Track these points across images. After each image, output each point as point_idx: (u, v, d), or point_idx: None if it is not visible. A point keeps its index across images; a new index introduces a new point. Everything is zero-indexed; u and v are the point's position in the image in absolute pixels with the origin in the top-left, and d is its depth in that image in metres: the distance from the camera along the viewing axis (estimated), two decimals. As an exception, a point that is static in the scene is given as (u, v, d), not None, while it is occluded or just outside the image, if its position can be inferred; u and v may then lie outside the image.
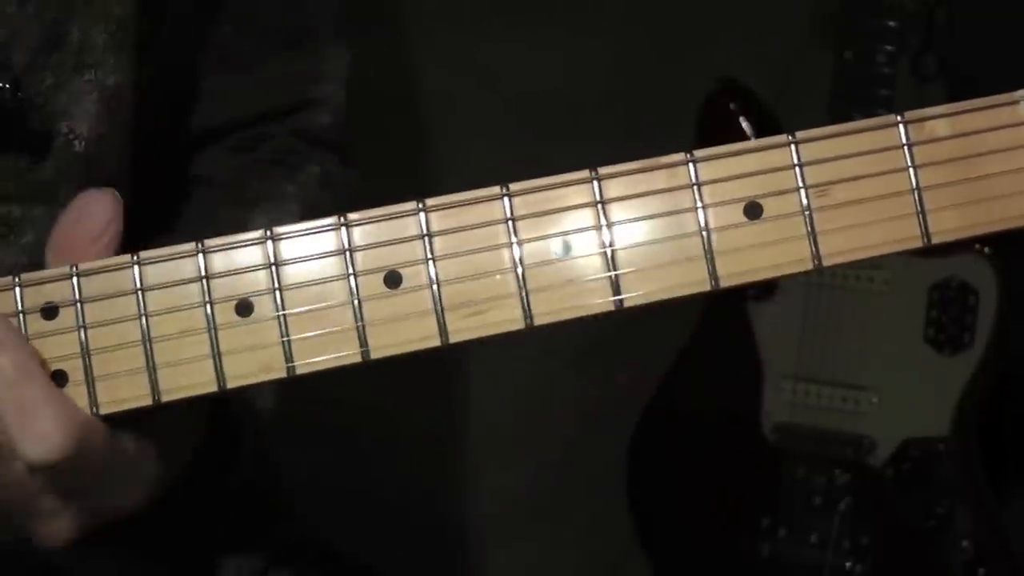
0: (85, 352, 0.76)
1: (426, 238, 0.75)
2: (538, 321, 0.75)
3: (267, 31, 1.08)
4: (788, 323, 2.11)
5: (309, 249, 0.75)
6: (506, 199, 0.74)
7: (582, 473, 2.31)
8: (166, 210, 1.07)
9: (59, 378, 0.76)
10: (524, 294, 0.75)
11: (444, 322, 0.75)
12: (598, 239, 0.74)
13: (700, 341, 2.14)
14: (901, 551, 2.08)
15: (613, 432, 2.17)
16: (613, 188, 0.74)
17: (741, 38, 2.25)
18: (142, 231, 0.81)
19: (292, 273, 0.75)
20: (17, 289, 0.76)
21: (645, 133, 1.83)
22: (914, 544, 2.07)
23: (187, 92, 1.07)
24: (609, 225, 0.74)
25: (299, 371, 0.75)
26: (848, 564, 2.08)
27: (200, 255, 0.76)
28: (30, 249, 0.93)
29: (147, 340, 0.75)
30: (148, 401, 0.76)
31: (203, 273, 0.75)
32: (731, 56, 2.23)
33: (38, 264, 0.79)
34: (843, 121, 0.74)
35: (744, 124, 2.07)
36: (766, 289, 2.09)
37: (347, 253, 0.75)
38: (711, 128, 2.12)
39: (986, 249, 2.02)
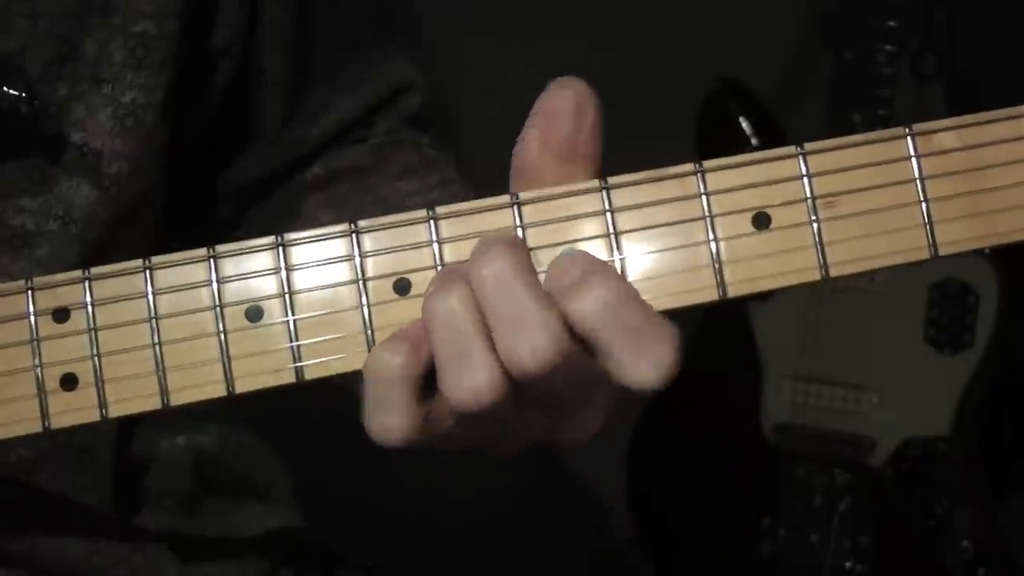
0: (95, 355, 0.76)
1: (436, 245, 0.75)
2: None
3: (354, 32, 1.09)
4: (788, 323, 2.11)
5: (319, 255, 0.75)
6: (516, 208, 0.74)
7: (582, 473, 2.31)
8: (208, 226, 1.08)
9: (69, 381, 0.76)
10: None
11: (453, 328, 0.75)
12: (607, 248, 0.74)
13: (700, 341, 2.14)
14: (901, 551, 2.09)
15: (613, 432, 2.17)
16: (622, 197, 0.74)
17: (741, 38, 2.26)
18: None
19: (302, 279, 0.75)
20: (29, 292, 0.76)
21: (645, 133, 1.82)
22: (914, 544, 2.08)
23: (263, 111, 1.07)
24: (618, 234, 0.74)
25: (308, 376, 0.75)
26: (848, 564, 2.09)
27: (211, 260, 0.76)
28: (44, 263, 0.93)
29: (157, 343, 0.76)
30: (157, 404, 0.76)
31: (214, 278, 0.76)
32: (731, 56, 2.23)
33: None
34: (843, 121, 0.74)
35: (744, 124, 2.07)
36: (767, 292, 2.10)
37: (357, 259, 0.75)
38: (710, 128, 2.12)
39: (986, 249, 2.02)
